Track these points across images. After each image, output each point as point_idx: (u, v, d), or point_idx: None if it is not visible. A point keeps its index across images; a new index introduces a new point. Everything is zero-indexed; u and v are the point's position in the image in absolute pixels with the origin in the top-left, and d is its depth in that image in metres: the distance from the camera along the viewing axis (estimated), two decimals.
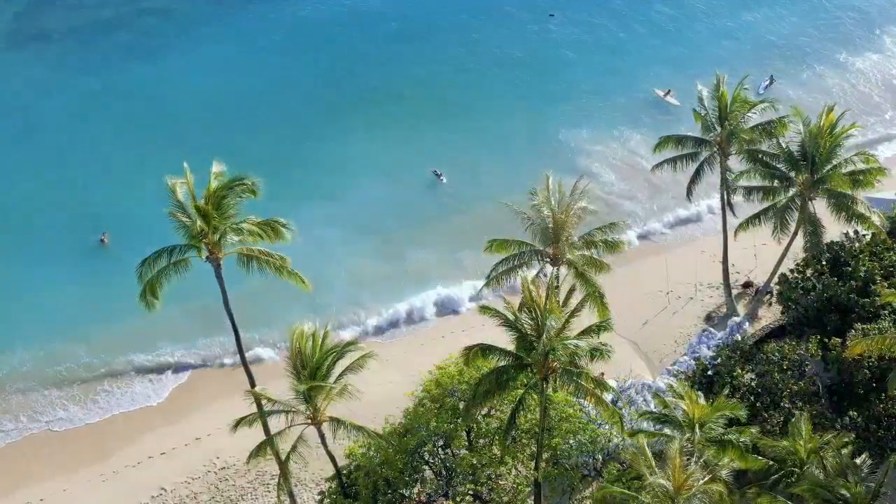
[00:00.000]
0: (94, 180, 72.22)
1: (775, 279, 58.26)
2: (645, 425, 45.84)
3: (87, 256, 66.32)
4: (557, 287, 42.70)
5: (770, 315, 59.79)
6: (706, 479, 36.63)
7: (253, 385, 46.07)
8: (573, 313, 39.17)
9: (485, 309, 40.03)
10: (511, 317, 39.21)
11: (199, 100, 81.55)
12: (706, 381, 50.00)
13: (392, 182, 73.16)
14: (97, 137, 76.75)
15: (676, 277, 63.84)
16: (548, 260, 46.88)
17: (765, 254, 62.84)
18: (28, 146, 76.38)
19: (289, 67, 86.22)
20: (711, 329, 59.19)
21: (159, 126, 77.68)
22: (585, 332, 39.68)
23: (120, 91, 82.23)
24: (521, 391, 41.32)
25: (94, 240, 67.01)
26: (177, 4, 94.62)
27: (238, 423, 42.82)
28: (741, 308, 61.25)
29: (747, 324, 58.96)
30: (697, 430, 39.35)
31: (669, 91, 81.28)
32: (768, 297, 60.76)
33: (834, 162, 53.24)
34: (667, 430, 41.39)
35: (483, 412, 45.68)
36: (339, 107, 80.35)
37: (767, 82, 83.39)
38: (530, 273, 43.27)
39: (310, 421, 41.63)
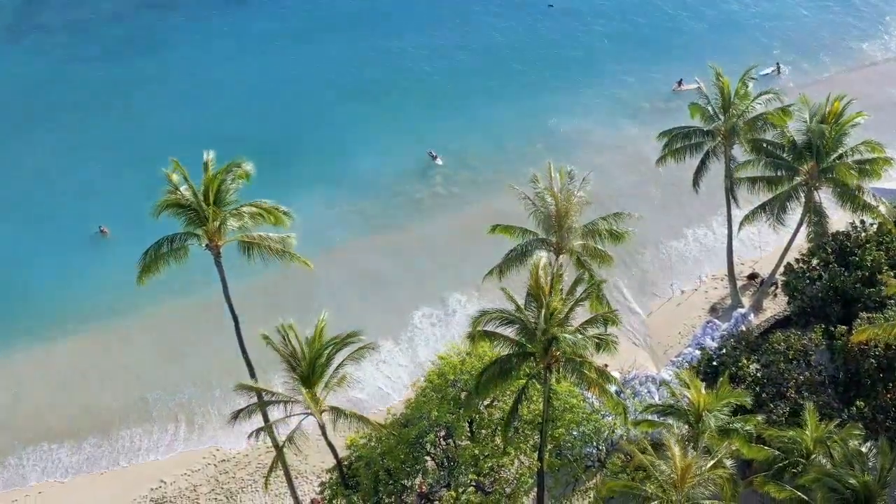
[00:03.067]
0: (95, 171, 71.92)
1: (780, 270, 57.66)
2: (649, 417, 45.46)
3: (89, 247, 65.81)
4: (561, 275, 41.88)
5: (775, 306, 59.23)
6: (710, 466, 36.18)
7: (252, 374, 45.78)
8: (577, 303, 38.59)
9: (478, 319, 39.03)
10: (512, 307, 38.69)
11: (200, 90, 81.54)
12: (711, 371, 49.41)
13: (389, 165, 73.23)
14: (98, 128, 76.51)
15: (681, 268, 63.44)
16: (551, 249, 46.28)
17: (769, 245, 62.35)
18: (28, 138, 76.12)
19: (289, 58, 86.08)
20: (716, 320, 58.62)
21: (160, 117, 77.54)
22: (590, 323, 39.14)
23: (120, 82, 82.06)
24: (523, 381, 40.86)
25: (94, 231, 66.60)
26: None
27: (237, 415, 42.44)
28: (746, 299, 60.66)
29: (752, 315, 58.39)
30: (706, 418, 38.80)
31: (681, 81, 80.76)
32: (773, 288, 60.19)
33: (840, 151, 52.61)
34: (671, 421, 40.94)
35: (486, 402, 45.22)
36: (338, 96, 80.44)
37: (773, 69, 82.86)
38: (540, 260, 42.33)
39: (309, 411, 41.08)
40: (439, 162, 73.35)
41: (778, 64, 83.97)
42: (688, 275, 63.69)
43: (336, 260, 64.44)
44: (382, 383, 56.71)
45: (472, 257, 60.54)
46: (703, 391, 39.95)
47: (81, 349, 59.38)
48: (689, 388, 40.17)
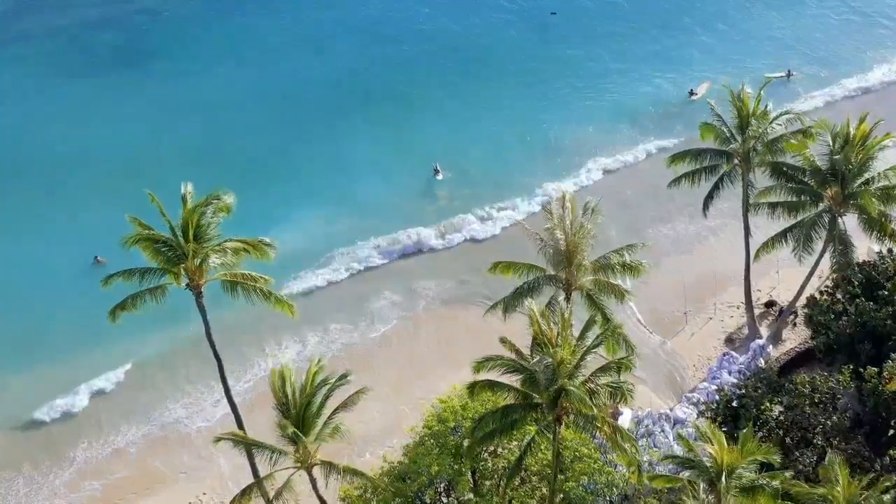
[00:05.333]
0: (83, 190, 68.47)
1: (802, 300, 54.44)
2: (661, 468, 42.55)
3: (84, 277, 60.91)
4: (569, 320, 38.64)
5: (795, 337, 56.03)
6: None
7: (238, 419, 42.97)
8: (589, 350, 35.44)
9: (481, 364, 36.18)
10: (515, 356, 35.75)
11: (194, 102, 78.50)
12: (731, 413, 46.16)
13: (390, 178, 71.10)
14: (87, 144, 73.31)
15: (695, 295, 60.09)
16: (560, 285, 43.05)
17: (788, 272, 59.12)
18: (16, 155, 72.90)
19: (285, 69, 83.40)
20: (733, 353, 55.22)
21: (153, 131, 74.44)
22: (603, 370, 36.09)
23: (108, 94, 79.19)
24: (531, 428, 37.78)
25: (89, 261, 62.38)
26: (168, 5, 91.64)
27: (219, 439, 39.60)
28: (763, 329, 57.38)
29: (771, 347, 55.17)
30: (724, 478, 35.70)
31: (692, 91, 78.04)
32: (792, 317, 56.97)
33: (866, 176, 49.51)
34: (690, 475, 37.84)
35: (489, 450, 42.10)
36: (337, 108, 77.82)
37: (783, 74, 79.92)
38: (539, 304, 39.15)
39: (299, 464, 38.00)
40: (440, 177, 70.78)
41: (789, 70, 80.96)
42: (701, 302, 60.22)
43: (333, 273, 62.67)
44: (379, 423, 53.42)
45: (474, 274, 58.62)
46: (727, 445, 36.77)
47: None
48: (710, 442, 36.99)
